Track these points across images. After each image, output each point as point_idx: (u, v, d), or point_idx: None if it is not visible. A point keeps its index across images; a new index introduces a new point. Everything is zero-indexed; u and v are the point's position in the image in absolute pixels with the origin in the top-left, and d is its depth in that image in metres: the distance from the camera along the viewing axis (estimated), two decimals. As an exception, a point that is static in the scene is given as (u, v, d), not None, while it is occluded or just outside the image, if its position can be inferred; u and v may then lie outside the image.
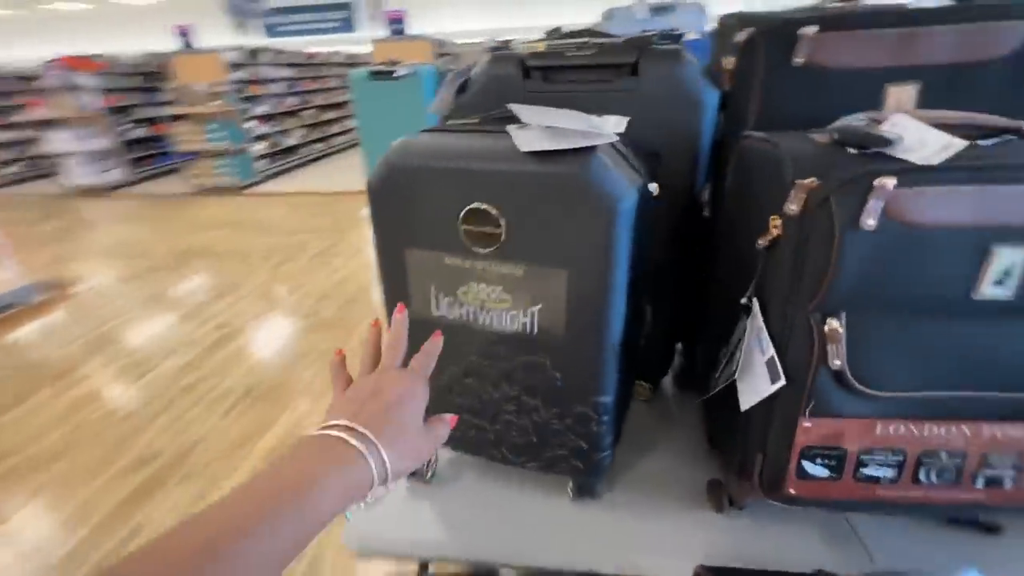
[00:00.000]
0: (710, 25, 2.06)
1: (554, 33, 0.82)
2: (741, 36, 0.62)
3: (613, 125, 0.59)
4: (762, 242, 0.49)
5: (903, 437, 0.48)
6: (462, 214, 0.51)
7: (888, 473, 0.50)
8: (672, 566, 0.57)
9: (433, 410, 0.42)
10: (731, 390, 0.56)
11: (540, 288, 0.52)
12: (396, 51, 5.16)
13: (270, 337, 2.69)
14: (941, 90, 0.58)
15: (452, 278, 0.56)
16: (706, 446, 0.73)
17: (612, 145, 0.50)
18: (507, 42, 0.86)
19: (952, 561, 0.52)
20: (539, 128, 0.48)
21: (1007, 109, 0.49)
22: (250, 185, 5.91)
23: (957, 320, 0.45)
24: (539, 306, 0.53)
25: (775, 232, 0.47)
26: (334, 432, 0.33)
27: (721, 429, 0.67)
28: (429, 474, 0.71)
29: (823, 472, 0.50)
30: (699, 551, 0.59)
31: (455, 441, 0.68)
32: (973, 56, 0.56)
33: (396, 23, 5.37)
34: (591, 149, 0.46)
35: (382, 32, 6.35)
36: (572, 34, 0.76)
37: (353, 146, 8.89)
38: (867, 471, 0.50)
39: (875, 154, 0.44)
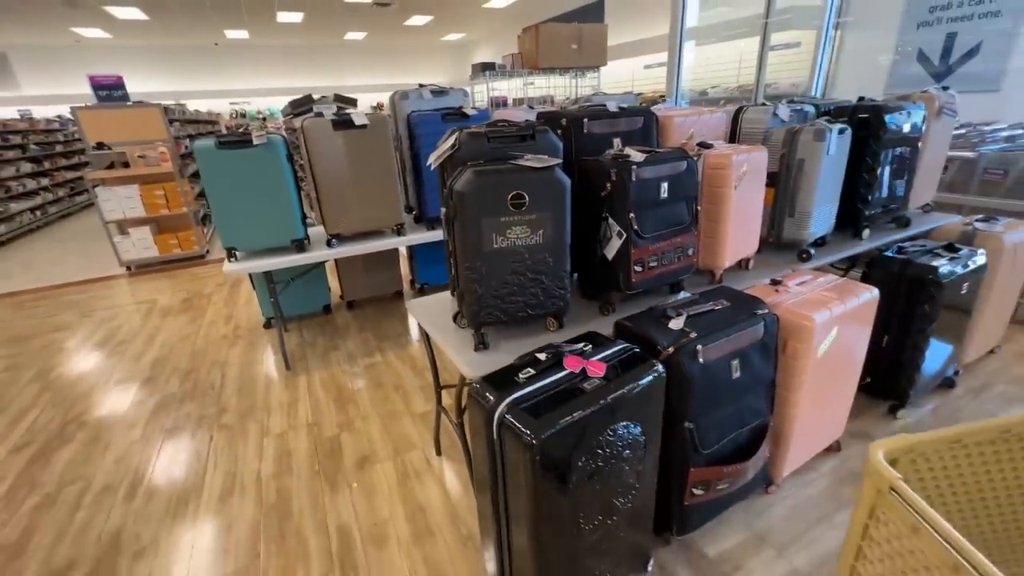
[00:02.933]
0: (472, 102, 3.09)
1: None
2: (563, 121, 1.53)
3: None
4: (604, 193, 1.39)
5: (655, 249, 1.45)
6: (510, 196, 1.23)
7: (654, 264, 1.46)
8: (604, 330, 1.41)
9: (494, 297, 1.13)
10: (602, 268, 1.44)
11: (542, 223, 1.28)
12: (114, 120, 4.58)
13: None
14: (626, 140, 1.62)
15: (502, 227, 1.26)
16: (583, 301, 1.61)
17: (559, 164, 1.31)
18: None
19: (671, 296, 1.53)
20: (535, 158, 1.25)
21: (639, 143, 1.54)
22: None
23: (657, 207, 1.44)
24: (542, 231, 1.29)
25: (610, 187, 1.37)
26: None
27: (598, 284, 1.55)
28: (483, 346, 1.36)
29: (640, 268, 1.43)
30: (607, 327, 1.45)
31: (504, 317, 1.34)
32: (631, 128, 1.62)
33: (110, 88, 4.62)
34: (555, 165, 1.26)
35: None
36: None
37: (66, 216, 6.90)
38: (650, 265, 1.45)
39: (626, 160, 1.40)
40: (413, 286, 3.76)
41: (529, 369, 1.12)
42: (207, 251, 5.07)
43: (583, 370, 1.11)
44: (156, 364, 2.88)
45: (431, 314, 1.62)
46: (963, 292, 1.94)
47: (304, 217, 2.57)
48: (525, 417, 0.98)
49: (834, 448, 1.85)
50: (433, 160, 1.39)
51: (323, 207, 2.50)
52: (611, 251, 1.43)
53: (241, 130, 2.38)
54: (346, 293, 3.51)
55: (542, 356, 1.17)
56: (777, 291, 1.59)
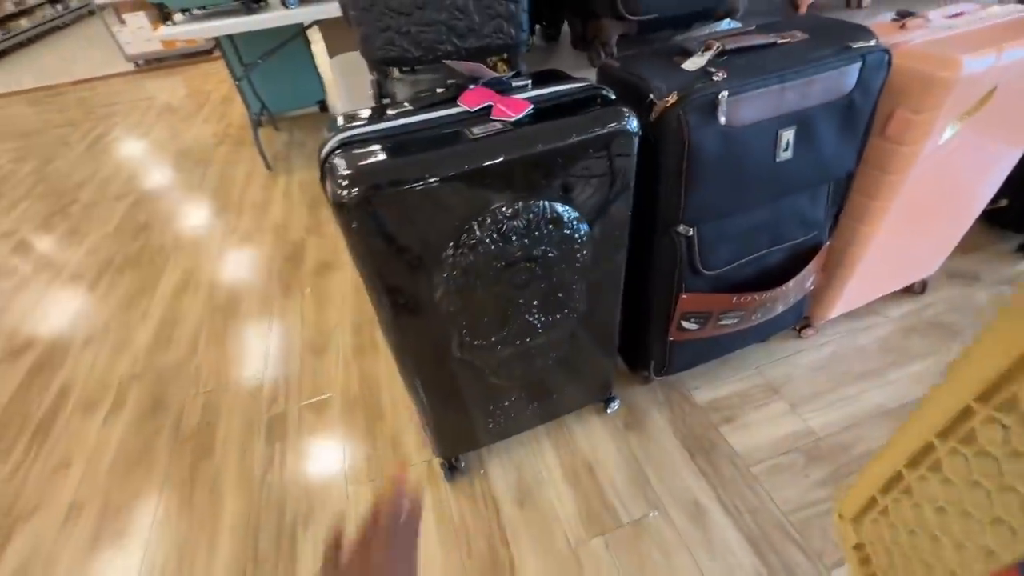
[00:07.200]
0: None
1: None
2: None
3: None
4: None
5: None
6: None
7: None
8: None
9: (394, 13, 0.57)
10: None
11: None
12: None
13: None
14: None
15: None
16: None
17: None
18: None
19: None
20: None
21: None
22: None
23: None
24: None
25: None
26: None
27: (585, 8, 0.97)
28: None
29: (653, -34, 0.82)
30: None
31: (417, 51, 0.84)
32: None
33: None
34: None
35: None
36: None
37: (93, 13, 6.57)
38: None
39: None
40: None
41: (407, 105, 0.67)
42: (215, 46, 4.55)
43: (486, 109, 0.64)
44: (141, 163, 2.69)
45: (353, 66, 1.14)
46: None
47: (248, -36, 1.96)
48: (347, 161, 0.57)
49: (915, 289, 1.34)
50: None
51: (266, -54, 1.87)
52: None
53: None
54: (342, 88, 3.00)
55: (442, 89, 0.70)
56: (904, 27, 0.92)
